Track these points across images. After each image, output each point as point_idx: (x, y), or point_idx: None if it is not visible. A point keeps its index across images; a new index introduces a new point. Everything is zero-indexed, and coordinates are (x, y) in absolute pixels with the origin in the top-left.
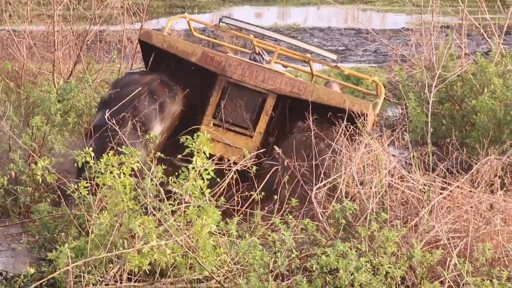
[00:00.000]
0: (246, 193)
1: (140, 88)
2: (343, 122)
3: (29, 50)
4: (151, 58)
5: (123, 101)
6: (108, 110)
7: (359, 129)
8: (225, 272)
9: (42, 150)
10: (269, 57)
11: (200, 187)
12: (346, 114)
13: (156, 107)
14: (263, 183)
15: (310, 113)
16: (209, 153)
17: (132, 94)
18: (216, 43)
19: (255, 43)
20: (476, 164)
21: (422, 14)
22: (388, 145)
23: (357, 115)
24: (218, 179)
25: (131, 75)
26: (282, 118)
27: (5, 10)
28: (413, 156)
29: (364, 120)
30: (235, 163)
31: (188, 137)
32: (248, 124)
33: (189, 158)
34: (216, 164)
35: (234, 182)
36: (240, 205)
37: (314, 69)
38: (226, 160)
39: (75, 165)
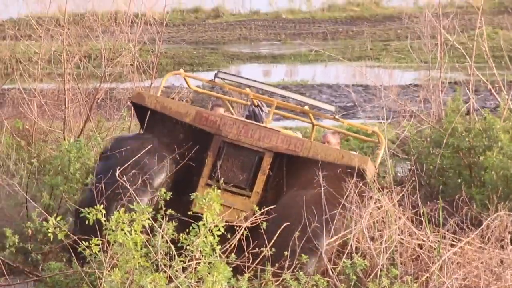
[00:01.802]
0: (256, 250)
1: (132, 153)
2: (342, 179)
3: (40, 109)
4: (146, 119)
5: (112, 170)
6: (98, 179)
7: (365, 184)
8: None
9: (59, 209)
10: (268, 108)
11: (211, 243)
12: (356, 172)
13: (146, 173)
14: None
15: (320, 171)
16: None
17: (123, 161)
18: (214, 96)
19: (251, 97)
20: (486, 219)
21: (430, 70)
22: (397, 201)
23: (357, 170)
24: (229, 236)
25: (123, 140)
26: (279, 176)
27: (16, 69)
28: (423, 212)
29: (364, 174)
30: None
31: (198, 194)
32: (246, 184)
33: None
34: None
35: (244, 240)
36: (250, 261)
37: (314, 120)
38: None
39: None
